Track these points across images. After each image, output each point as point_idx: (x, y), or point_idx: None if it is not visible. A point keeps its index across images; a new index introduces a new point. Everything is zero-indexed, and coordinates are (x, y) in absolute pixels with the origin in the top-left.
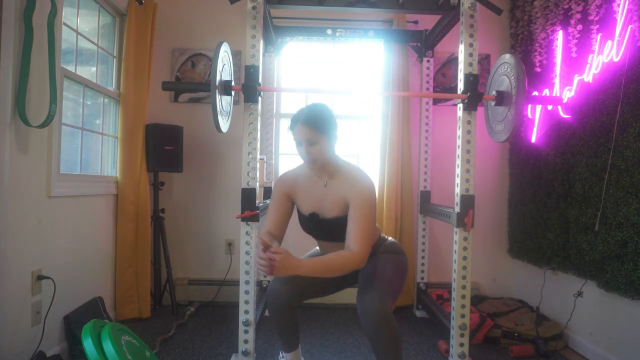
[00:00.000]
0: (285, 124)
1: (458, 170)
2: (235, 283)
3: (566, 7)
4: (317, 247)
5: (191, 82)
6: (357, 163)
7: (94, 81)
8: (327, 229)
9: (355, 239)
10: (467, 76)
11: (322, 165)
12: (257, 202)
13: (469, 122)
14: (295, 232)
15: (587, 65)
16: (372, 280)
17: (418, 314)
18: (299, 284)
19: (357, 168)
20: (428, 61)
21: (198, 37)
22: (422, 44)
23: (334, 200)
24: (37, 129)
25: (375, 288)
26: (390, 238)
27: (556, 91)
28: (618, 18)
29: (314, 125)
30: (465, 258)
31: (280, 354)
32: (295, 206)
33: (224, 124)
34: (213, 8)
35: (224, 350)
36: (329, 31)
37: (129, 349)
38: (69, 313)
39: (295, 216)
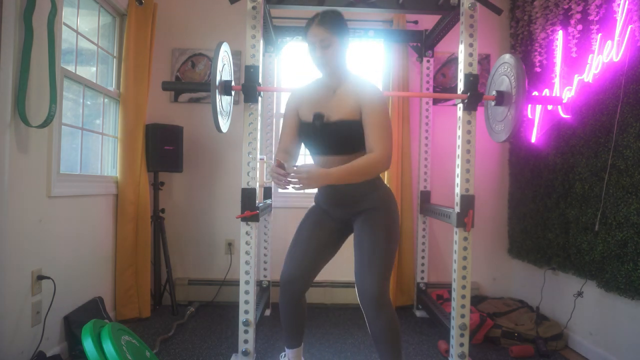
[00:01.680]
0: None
1: (458, 170)
2: (235, 283)
3: (566, 7)
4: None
5: (191, 82)
6: None
7: (94, 81)
8: (330, 134)
9: (377, 142)
10: (467, 76)
11: (333, 70)
12: (257, 202)
13: (469, 122)
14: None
15: (587, 65)
16: (370, 256)
17: (418, 314)
18: (311, 258)
19: (367, 79)
20: (428, 61)
21: (198, 37)
22: (422, 44)
23: (342, 104)
24: (37, 129)
25: (374, 268)
26: (384, 185)
27: (556, 91)
28: (618, 18)
29: (329, 26)
30: (465, 258)
31: (282, 354)
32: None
33: (224, 124)
34: (213, 8)
35: (224, 350)
36: None
37: (129, 349)
38: (69, 313)
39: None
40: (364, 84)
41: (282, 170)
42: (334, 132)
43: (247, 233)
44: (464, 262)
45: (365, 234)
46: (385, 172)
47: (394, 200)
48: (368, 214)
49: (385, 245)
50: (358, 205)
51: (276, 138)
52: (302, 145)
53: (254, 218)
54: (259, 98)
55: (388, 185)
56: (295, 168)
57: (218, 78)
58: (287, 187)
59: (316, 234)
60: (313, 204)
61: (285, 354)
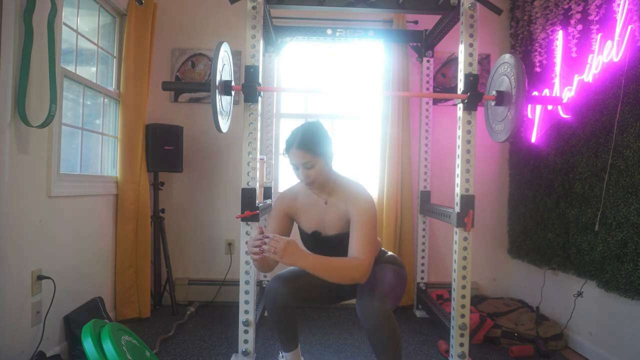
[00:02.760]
0: (285, 124)
1: (458, 170)
2: (235, 283)
3: (566, 7)
4: None
5: (191, 82)
6: (356, 163)
7: (94, 81)
8: (329, 246)
9: (358, 250)
10: (467, 76)
11: (320, 186)
12: (257, 202)
13: (469, 122)
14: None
15: (587, 65)
16: (372, 285)
17: (418, 314)
18: (298, 286)
19: (356, 183)
20: (428, 61)
21: (198, 37)
22: (422, 44)
23: (335, 217)
24: (37, 129)
25: (376, 290)
26: (389, 252)
27: (556, 91)
28: (618, 18)
29: (309, 148)
30: (465, 258)
31: (280, 354)
32: (295, 224)
33: (224, 124)
34: (213, 8)
35: (224, 350)
36: (329, 31)
37: (129, 349)
38: (69, 313)
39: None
40: (353, 194)
41: (259, 236)
42: (331, 244)
43: (247, 233)
44: (464, 262)
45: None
46: (386, 172)
47: (401, 262)
48: (376, 265)
49: (391, 278)
50: None
51: (276, 138)
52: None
53: (254, 218)
54: (259, 98)
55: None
56: (273, 235)
57: (218, 78)
58: (259, 253)
59: (313, 279)
60: None
61: (283, 355)
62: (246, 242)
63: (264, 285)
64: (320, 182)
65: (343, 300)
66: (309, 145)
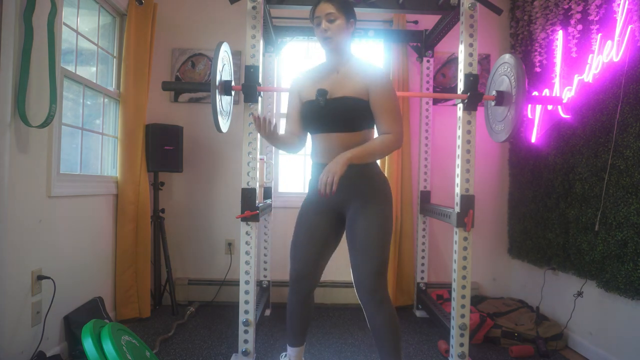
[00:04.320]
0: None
1: (458, 170)
2: (235, 283)
3: (566, 7)
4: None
5: (191, 82)
6: None
7: (94, 81)
8: (333, 110)
9: (390, 125)
10: (467, 76)
11: (336, 47)
12: (257, 202)
13: (469, 122)
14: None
15: (587, 65)
16: (366, 250)
17: (418, 314)
18: (315, 259)
19: (370, 61)
20: (428, 61)
21: (198, 37)
22: (422, 44)
23: (346, 81)
24: (37, 129)
25: (370, 263)
26: (378, 172)
27: (556, 91)
28: (618, 18)
29: (336, 3)
30: (465, 258)
31: (282, 354)
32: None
33: (224, 124)
34: (213, 8)
35: (224, 350)
36: None
37: (129, 349)
38: (69, 313)
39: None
40: (369, 66)
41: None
42: (338, 108)
43: (247, 233)
44: (464, 262)
45: (358, 228)
46: (386, 172)
47: (388, 189)
48: (361, 204)
49: (380, 239)
50: (351, 191)
51: None
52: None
53: (254, 218)
54: (259, 98)
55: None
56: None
57: (218, 78)
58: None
59: (317, 231)
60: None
61: (286, 354)
62: (246, 242)
63: (264, 285)
64: (337, 41)
65: (344, 227)
66: (337, 1)
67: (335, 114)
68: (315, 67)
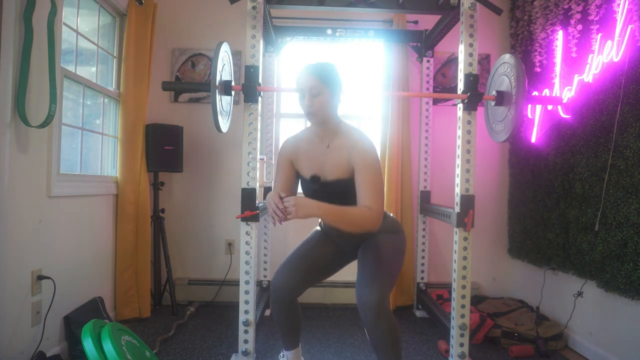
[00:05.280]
0: (285, 124)
1: (458, 170)
2: (235, 283)
3: (566, 7)
4: (318, 223)
5: (191, 82)
6: None
7: (94, 81)
8: (328, 192)
9: (368, 199)
10: (467, 76)
11: (322, 120)
12: (257, 202)
13: (469, 122)
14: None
15: (587, 65)
16: (372, 269)
17: (418, 314)
18: (304, 272)
19: (359, 130)
20: (428, 61)
21: (198, 37)
22: (422, 44)
23: (336, 162)
24: (37, 129)
25: (375, 280)
26: (390, 214)
27: (556, 91)
28: (618, 18)
29: (319, 75)
30: (465, 258)
31: (281, 354)
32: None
33: (224, 124)
34: (213, 8)
35: (224, 350)
36: (329, 31)
37: (129, 349)
38: (69, 313)
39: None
40: (356, 140)
41: (279, 201)
42: (332, 191)
43: (247, 233)
44: (464, 262)
45: (368, 252)
46: (386, 172)
47: (400, 227)
48: (374, 238)
49: (388, 257)
50: (363, 237)
51: (276, 138)
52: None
53: (254, 218)
54: (259, 98)
55: (393, 216)
56: (286, 197)
57: (218, 78)
58: (281, 220)
59: (316, 253)
60: (318, 227)
61: (284, 354)
62: (246, 242)
63: (264, 285)
64: (322, 115)
65: (347, 263)
66: (320, 72)
67: (330, 196)
68: (304, 133)
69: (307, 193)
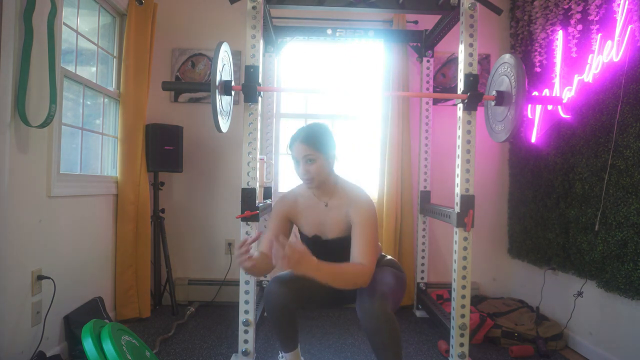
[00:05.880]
0: (285, 124)
1: (458, 170)
2: (235, 283)
3: (566, 7)
4: None
5: (191, 82)
6: (356, 163)
7: (94, 81)
8: (329, 250)
9: (362, 255)
10: (467, 76)
11: (319, 184)
12: (257, 202)
13: (469, 122)
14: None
15: (587, 65)
16: (372, 287)
17: (418, 314)
18: (298, 288)
19: (357, 187)
20: (428, 61)
21: (198, 37)
22: (422, 44)
23: (336, 221)
24: (37, 129)
25: (376, 292)
26: (388, 256)
27: (556, 91)
28: (618, 18)
29: (313, 143)
30: (465, 258)
31: (280, 354)
32: (295, 227)
33: (224, 124)
34: (213, 8)
35: (224, 350)
36: (329, 31)
37: (129, 349)
38: (69, 313)
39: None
40: (354, 197)
41: (284, 244)
42: (332, 248)
43: (247, 233)
44: (464, 262)
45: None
46: (386, 172)
47: (401, 267)
48: (377, 268)
49: (391, 280)
50: None
51: (276, 138)
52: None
53: (254, 218)
54: (259, 98)
55: (388, 257)
56: (289, 243)
57: (218, 78)
58: (247, 260)
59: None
60: None
61: (282, 355)
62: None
63: (264, 285)
64: (319, 180)
65: (343, 304)
66: (312, 140)
67: (331, 254)
68: (301, 191)
69: (307, 247)
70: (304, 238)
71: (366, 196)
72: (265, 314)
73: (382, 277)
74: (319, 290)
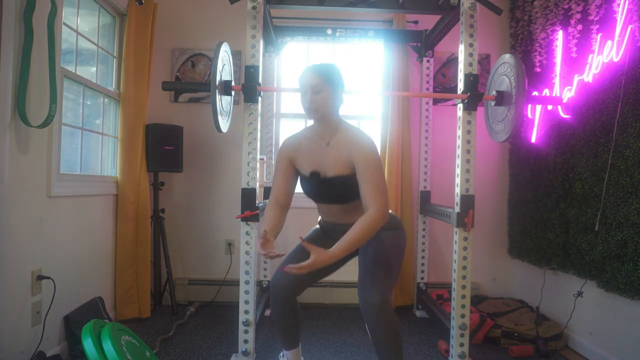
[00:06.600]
0: (285, 124)
1: (458, 170)
2: (235, 283)
3: (566, 7)
4: (317, 221)
5: (191, 82)
6: None
7: (94, 81)
8: (328, 189)
9: (372, 198)
10: (467, 76)
11: (322, 117)
12: (257, 202)
13: (469, 122)
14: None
15: (587, 65)
16: (374, 268)
17: (418, 314)
18: (304, 280)
19: (358, 129)
20: (428, 61)
21: (198, 37)
22: (422, 44)
23: (336, 159)
24: (37, 129)
25: (377, 280)
26: (389, 210)
27: (556, 91)
28: (618, 18)
29: (322, 75)
30: (465, 258)
31: (281, 353)
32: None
33: (224, 124)
34: (213, 8)
35: (224, 350)
36: (329, 31)
37: (129, 349)
38: (69, 313)
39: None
40: (357, 138)
41: (268, 251)
42: (332, 187)
43: (247, 233)
44: (464, 262)
45: (370, 250)
46: (386, 172)
47: (400, 224)
48: (374, 235)
49: (389, 256)
50: None
51: (276, 138)
52: (297, 187)
53: (254, 218)
54: (259, 98)
55: (394, 214)
56: (302, 264)
57: (218, 78)
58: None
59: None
60: (317, 226)
61: (284, 354)
62: (246, 242)
63: (264, 285)
64: (323, 112)
65: (347, 261)
66: (323, 72)
67: (330, 192)
68: (304, 132)
69: (307, 191)
70: (302, 178)
71: (369, 138)
72: (266, 313)
73: (383, 253)
74: (321, 269)
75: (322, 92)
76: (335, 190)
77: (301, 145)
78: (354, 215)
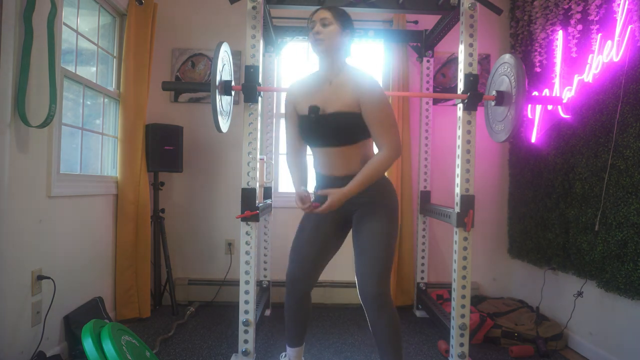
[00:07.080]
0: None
1: (458, 170)
2: (235, 283)
3: (566, 7)
4: (316, 173)
5: (191, 82)
6: None
7: (94, 81)
8: (326, 127)
9: (383, 137)
10: (467, 76)
11: (327, 50)
12: (257, 202)
13: (469, 122)
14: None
15: (587, 65)
16: (370, 254)
17: (418, 314)
18: (314, 259)
19: (363, 72)
20: (428, 61)
21: (198, 37)
22: (422, 44)
23: (338, 95)
24: (37, 129)
25: (375, 267)
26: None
27: (556, 91)
28: (618, 18)
29: (334, 12)
30: (465, 258)
31: (282, 354)
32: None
33: (224, 124)
34: (213, 8)
35: (224, 350)
36: None
37: (129, 349)
38: (69, 313)
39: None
40: (361, 77)
41: (308, 204)
42: (331, 124)
43: (247, 233)
44: (464, 262)
45: (364, 231)
46: (385, 172)
47: (392, 190)
48: (366, 208)
49: (385, 242)
50: (357, 198)
51: (276, 138)
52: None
53: (254, 218)
54: (259, 98)
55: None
56: (313, 203)
57: (218, 78)
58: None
59: (319, 233)
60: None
61: (285, 354)
62: (246, 242)
63: (264, 285)
64: (328, 45)
65: (347, 233)
66: (335, 10)
67: (329, 130)
68: (309, 76)
69: (304, 129)
70: (301, 118)
71: (373, 79)
72: (267, 312)
73: (378, 233)
74: (329, 246)
75: (330, 25)
76: (335, 127)
77: (303, 86)
78: (352, 164)
